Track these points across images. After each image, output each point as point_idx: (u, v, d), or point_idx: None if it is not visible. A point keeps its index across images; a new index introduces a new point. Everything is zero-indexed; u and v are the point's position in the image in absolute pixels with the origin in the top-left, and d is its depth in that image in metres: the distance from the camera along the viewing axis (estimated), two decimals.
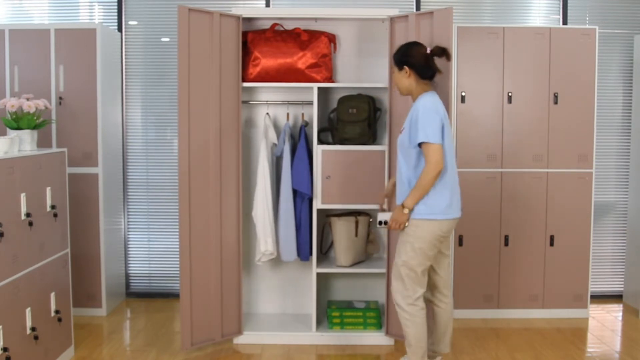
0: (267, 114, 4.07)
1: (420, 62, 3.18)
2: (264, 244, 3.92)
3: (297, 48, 3.91)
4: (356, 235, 4.01)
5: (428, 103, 3.11)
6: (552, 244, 4.46)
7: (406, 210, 3.14)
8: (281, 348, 3.90)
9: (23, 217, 3.10)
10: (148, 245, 4.97)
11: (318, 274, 4.09)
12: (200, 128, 3.68)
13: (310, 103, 4.00)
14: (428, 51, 3.20)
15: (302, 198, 3.94)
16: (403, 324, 3.23)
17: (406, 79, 3.22)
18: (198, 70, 3.65)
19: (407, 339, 3.23)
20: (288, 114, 4.09)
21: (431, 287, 3.36)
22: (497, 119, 4.40)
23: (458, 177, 3.25)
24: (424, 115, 3.07)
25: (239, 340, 3.97)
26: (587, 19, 4.88)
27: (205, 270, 3.77)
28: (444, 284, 3.35)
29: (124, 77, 4.83)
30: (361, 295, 4.30)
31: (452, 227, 3.22)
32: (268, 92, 4.14)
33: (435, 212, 3.13)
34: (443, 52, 3.22)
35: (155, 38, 4.87)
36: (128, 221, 4.94)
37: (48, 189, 3.37)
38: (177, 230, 3.78)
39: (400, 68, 3.23)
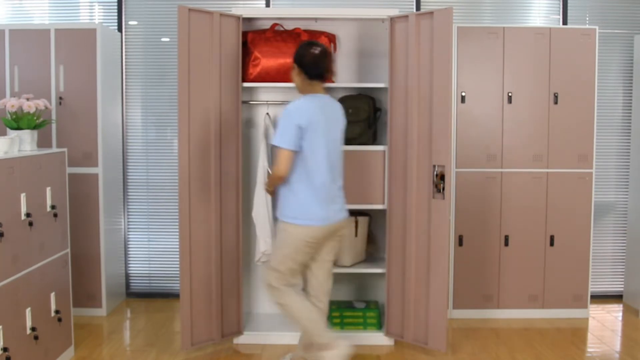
0: (267, 114, 4.07)
1: (308, 61, 3.17)
2: (264, 244, 3.93)
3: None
4: (356, 235, 4.01)
5: (292, 107, 3.10)
6: (552, 244, 4.46)
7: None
8: (281, 348, 3.90)
9: (23, 217, 3.10)
10: (148, 245, 4.97)
11: None
12: (200, 128, 3.68)
13: None
14: (317, 51, 3.17)
15: None
16: (280, 307, 3.24)
17: (297, 76, 3.23)
18: (198, 70, 3.65)
19: (297, 322, 3.24)
20: None
21: (310, 287, 3.38)
22: (497, 119, 4.41)
23: (336, 182, 3.22)
24: (282, 119, 3.11)
25: (239, 340, 3.97)
26: (587, 19, 4.88)
27: (205, 270, 3.77)
28: (320, 289, 3.35)
29: (124, 77, 4.83)
30: (361, 295, 4.30)
31: (322, 234, 3.17)
32: (268, 92, 4.15)
33: (301, 217, 3.12)
34: (325, 52, 3.19)
35: (155, 38, 4.87)
36: (128, 221, 4.94)
37: (48, 189, 3.37)
38: (177, 230, 3.78)
39: (294, 67, 3.25)
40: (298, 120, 3.06)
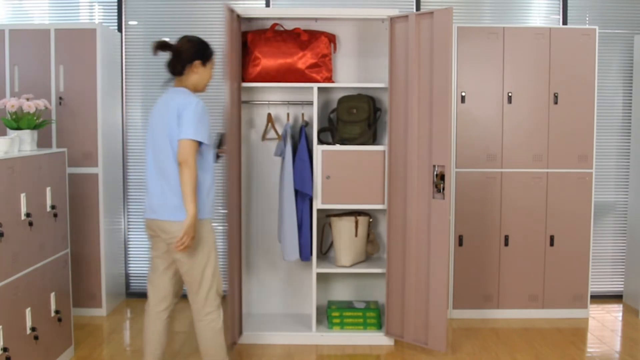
0: (269, 114, 4.07)
1: None
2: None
3: (297, 48, 3.91)
4: (356, 235, 4.01)
5: None
6: (552, 244, 4.46)
7: None
8: (281, 348, 3.90)
9: (23, 217, 3.10)
10: (148, 245, 4.96)
11: (318, 274, 4.10)
12: None
13: (310, 103, 4.00)
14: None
15: (303, 198, 3.94)
16: None
17: None
18: None
19: None
20: (288, 114, 4.09)
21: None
22: (497, 119, 4.41)
23: (163, 178, 3.14)
24: None
25: (239, 340, 3.97)
26: (587, 19, 4.88)
27: None
28: (178, 294, 3.41)
29: (124, 77, 4.83)
30: (361, 295, 4.30)
31: (147, 226, 3.22)
32: (268, 92, 4.14)
33: None
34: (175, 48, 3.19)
35: (155, 38, 4.85)
36: (128, 221, 4.94)
37: (48, 189, 3.37)
38: None
39: None
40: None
